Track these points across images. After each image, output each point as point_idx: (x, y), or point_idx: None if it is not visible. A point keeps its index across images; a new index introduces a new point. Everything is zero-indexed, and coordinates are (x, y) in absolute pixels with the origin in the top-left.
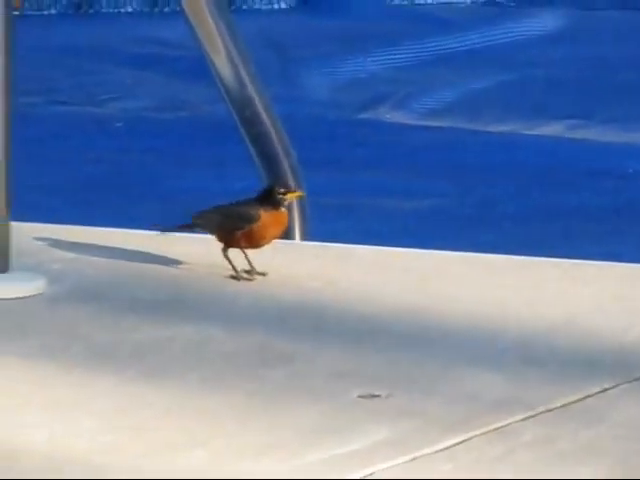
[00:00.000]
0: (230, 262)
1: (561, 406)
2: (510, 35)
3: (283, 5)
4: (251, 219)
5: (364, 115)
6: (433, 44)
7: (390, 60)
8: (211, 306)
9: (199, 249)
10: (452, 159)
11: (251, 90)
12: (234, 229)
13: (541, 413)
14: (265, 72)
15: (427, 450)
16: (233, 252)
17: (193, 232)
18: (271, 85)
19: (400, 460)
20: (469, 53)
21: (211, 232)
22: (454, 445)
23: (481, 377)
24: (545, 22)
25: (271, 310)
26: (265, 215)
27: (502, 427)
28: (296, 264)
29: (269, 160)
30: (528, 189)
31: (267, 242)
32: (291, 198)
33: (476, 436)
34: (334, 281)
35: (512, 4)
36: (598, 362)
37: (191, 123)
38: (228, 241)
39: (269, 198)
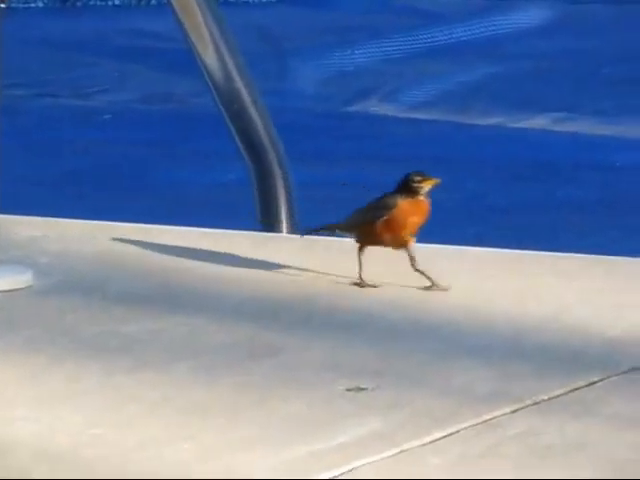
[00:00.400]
0: (360, 265)
1: (548, 399)
2: (498, 28)
3: None
4: (389, 206)
5: (351, 108)
6: (420, 36)
7: (378, 52)
8: (200, 299)
9: (188, 242)
10: (440, 152)
11: (239, 83)
12: (374, 219)
13: (529, 406)
14: (253, 64)
15: (414, 443)
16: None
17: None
18: (259, 78)
19: (388, 453)
20: (456, 46)
21: (352, 231)
22: (441, 438)
23: (470, 370)
24: (532, 15)
25: (260, 303)
26: (403, 202)
27: (490, 420)
28: (284, 257)
29: (257, 152)
30: (516, 182)
31: (409, 232)
32: (428, 185)
33: (464, 429)
34: (322, 274)
35: None
36: (585, 355)
37: (179, 115)
38: (368, 236)
39: (406, 187)
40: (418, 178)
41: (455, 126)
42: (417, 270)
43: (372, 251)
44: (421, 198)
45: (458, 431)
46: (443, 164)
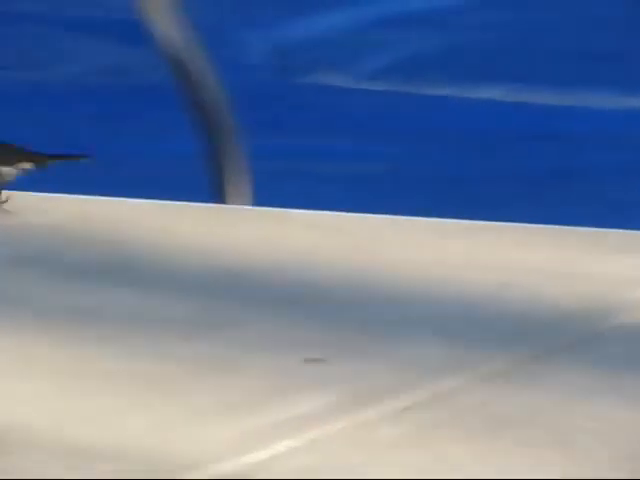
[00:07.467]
0: None
1: (501, 371)
2: None
3: None
4: None
5: (304, 78)
6: (372, 7)
7: (330, 22)
8: (154, 271)
9: (140, 214)
10: (391, 123)
11: (190, 54)
12: None
13: (481, 377)
14: (205, 35)
15: (371, 415)
16: None
17: None
18: (210, 49)
19: (343, 424)
20: (409, 16)
21: None
22: (399, 410)
23: (422, 341)
24: None
25: (215, 275)
26: None
27: (444, 391)
28: (238, 229)
29: (210, 124)
30: (469, 153)
31: None
32: None
33: (419, 400)
34: (276, 246)
35: None
36: (535, 326)
37: (131, 88)
38: None
39: None
40: None
41: (407, 97)
42: None
43: None
44: None
45: (415, 403)
46: (395, 135)
